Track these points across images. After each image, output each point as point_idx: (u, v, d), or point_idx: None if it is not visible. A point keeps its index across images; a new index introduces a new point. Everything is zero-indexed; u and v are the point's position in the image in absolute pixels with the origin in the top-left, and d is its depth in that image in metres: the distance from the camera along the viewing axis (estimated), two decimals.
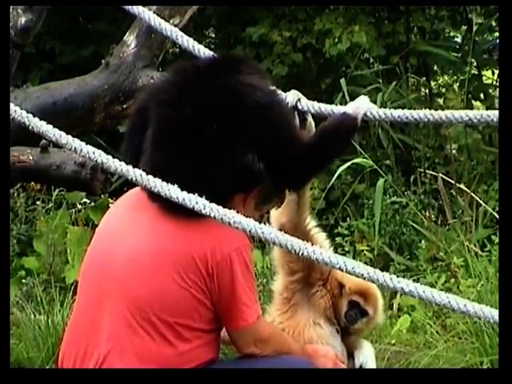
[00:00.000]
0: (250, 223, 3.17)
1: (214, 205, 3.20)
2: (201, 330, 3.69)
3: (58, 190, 7.86)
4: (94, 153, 3.27)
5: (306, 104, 3.95)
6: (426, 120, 3.73)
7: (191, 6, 6.04)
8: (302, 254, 3.14)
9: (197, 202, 3.21)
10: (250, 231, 3.16)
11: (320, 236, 4.13)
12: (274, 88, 3.89)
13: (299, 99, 3.94)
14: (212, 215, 3.19)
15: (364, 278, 3.13)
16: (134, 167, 3.26)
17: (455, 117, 3.65)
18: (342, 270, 3.13)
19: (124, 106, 5.95)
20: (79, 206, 7.96)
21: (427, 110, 3.74)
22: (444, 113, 3.69)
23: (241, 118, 3.63)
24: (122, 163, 3.27)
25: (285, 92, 3.98)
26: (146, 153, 3.68)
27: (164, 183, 3.25)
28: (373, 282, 3.13)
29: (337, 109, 3.94)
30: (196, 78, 3.73)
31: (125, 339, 3.63)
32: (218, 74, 3.71)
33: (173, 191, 3.24)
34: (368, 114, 3.83)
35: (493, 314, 3.02)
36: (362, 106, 3.83)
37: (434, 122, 3.76)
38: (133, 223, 3.76)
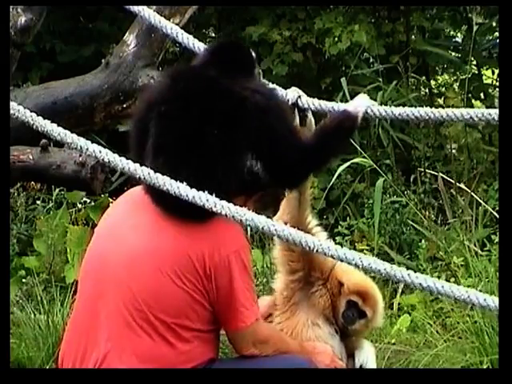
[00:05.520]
0: (263, 220, 3.14)
1: (225, 202, 3.18)
2: (199, 330, 3.69)
3: (58, 190, 7.84)
4: (100, 151, 3.26)
5: (307, 101, 3.94)
6: (426, 118, 3.70)
7: (191, 6, 6.04)
8: (317, 250, 3.12)
9: (207, 200, 3.19)
10: (263, 228, 3.14)
11: (321, 235, 4.13)
12: (272, 88, 3.89)
13: (299, 96, 3.94)
14: (224, 213, 3.16)
15: (381, 274, 3.09)
16: None
17: (456, 115, 3.62)
18: (358, 267, 3.11)
19: (124, 106, 5.95)
20: (79, 206, 7.95)
21: (428, 107, 3.72)
22: (445, 111, 3.67)
23: (241, 123, 3.64)
24: (130, 161, 3.26)
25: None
26: (146, 161, 3.66)
27: (173, 181, 3.23)
28: (390, 277, 3.10)
29: (337, 106, 3.93)
30: (196, 85, 3.71)
31: (124, 339, 3.64)
32: (217, 79, 3.70)
33: (182, 189, 3.22)
34: (369, 111, 3.82)
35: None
36: (362, 105, 3.83)
37: (435, 120, 3.73)
38: (132, 223, 3.76)
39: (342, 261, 3.14)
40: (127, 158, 3.33)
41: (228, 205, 3.18)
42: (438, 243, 6.96)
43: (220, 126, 3.62)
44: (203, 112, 3.64)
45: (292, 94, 3.96)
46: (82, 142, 3.26)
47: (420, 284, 3.06)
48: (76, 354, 3.72)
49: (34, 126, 3.30)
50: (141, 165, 3.33)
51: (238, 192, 3.71)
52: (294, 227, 3.95)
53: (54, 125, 3.30)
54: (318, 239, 3.16)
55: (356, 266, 3.09)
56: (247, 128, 3.65)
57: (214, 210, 3.18)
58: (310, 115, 3.97)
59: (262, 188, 3.82)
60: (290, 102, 3.93)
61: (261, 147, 3.69)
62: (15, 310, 6.24)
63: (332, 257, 3.12)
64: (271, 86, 4.02)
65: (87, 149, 3.25)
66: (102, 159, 3.25)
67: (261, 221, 3.15)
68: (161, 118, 3.68)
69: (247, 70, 3.85)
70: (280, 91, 3.98)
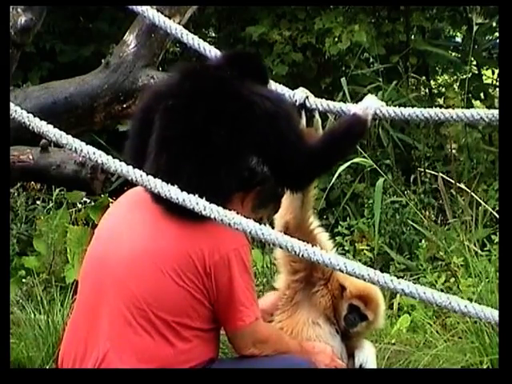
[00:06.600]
0: (250, 224, 3.16)
1: (214, 206, 3.20)
2: (200, 329, 3.69)
3: (58, 190, 7.85)
4: (94, 153, 3.27)
5: (314, 101, 3.95)
6: (436, 118, 3.69)
7: (191, 6, 6.04)
8: (303, 255, 3.14)
9: (197, 203, 3.21)
10: (250, 232, 3.16)
11: (323, 236, 4.14)
12: (281, 93, 3.89)
13: (307, 97, 3.95)
14: (212, 216, 3.19)
15: (364, 280, 3.12)
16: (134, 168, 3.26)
17: (466, 115, 3.60)
18: (343, 272, 3.13)
19: (124, 106, 5.95)
20: (79, 206, 7.95)
21: (437, 108, 3.71)
22: (455, 111, 3.65)
23: (248, 126, 3.64)
24: (123, 163, 3.27)
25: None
26: (149, 156, 3.67)
27: (164, 184, 3.25)
28: (373, 283, 3.13)
29: (345, 106, 3.93)
30: (206, 84, 3.72)
31: (124, 338, 3.64)
32: (228, 81, 3.71)
33: (173, 192, 3.24)
34: (378, 112, 3.81)
35: (493, 314, 3.01)
36: (371, 106, 3.83)
37: (445, 121, 3.71)
38: (133, 222, 3.76)
39: (326, 266, 3.16)
40: (121, 160, 3.33)
41: (217, 208, 3.20)
42: (438, 243, 6.96)
43: (226, 127, 3.62)
44: (211, 112, 3.64)
45: (300, 94, 3.96)
46: (76, 143, 3.27)
47: (402, 290, 3.09)
48: (76, 353, 3.72)
49: (31, 127, 3.31)
50: (135, 163, 3.33)
51: (236, 189, 3.72)
52: (297, 226, 3.99)
53: (50, 126, 3.30)
54: (303, 244, 3.17)
55: (340, 270, 3.13)
56: (255, 132, 3.65)
57: (204, 213, 3.20)
58: (317, 116, 3.98)
59: (259, 183, 3.81)
60: (297, 103, 3.94)
61: (268, 152, 3.70)
62: (15, 309, 6.24)
63: (317, 262, 3.14)
64: (279, 89, 4.02)
65: (81, 150, 3.26)
66: (96, 161, 3.26)
67: (248, 224, 3.16)
68: (167, 112, 3.68)
69: (259, 81, 3.84)
70: (287, 92, 3.99)
